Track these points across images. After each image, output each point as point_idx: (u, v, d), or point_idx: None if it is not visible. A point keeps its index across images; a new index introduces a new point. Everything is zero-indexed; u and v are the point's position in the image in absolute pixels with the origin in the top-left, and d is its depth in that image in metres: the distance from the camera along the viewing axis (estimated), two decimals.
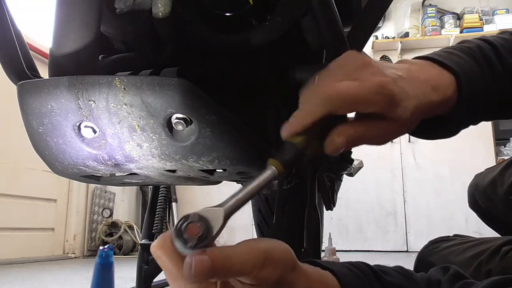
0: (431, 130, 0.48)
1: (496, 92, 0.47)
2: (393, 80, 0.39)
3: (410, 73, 0.41)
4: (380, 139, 0.41)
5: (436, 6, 4.01)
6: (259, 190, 0.35)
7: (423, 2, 4.05)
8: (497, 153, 3.42)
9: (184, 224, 0.30)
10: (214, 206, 0.32)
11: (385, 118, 0.39)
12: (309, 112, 0.38)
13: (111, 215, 3.13)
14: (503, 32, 0.53)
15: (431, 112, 0.42)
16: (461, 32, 3.80)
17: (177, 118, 0.46)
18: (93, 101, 0.46)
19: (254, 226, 1.35)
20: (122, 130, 0.48)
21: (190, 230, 0.30)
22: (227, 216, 0.32)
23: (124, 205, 3.56)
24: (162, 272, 1.14)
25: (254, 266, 0.31)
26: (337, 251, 2.15)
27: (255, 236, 1.52)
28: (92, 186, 3.05)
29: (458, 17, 3.96)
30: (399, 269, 0.45)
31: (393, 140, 3.49)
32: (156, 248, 0.32)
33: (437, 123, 0.46)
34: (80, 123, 0.49)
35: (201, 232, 0.30)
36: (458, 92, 0.44)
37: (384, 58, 3.67)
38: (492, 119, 0.52)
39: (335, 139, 0.38)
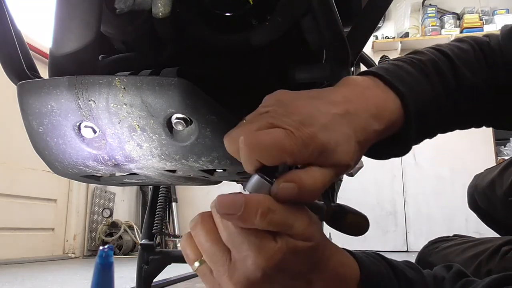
0: (381, 150, 0.45)
1: (451, 106, 0.45)
2: (324, 127, 0.35)
3: (348, 106, 0.37)
4: (327, 183, 0.36)
5: (436, 6, 4.01)
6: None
7: (423, 2, 4.05)
8: (497, 153, 3.42)
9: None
10: None
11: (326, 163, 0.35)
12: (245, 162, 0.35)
13: (111, 215, 3.13)
14: (461, 40, 0.51)
15: (375, 139, 0.39)
16: (461, 32, 3.81)
17: (177, 118, 0.46)
18: (93, 101, 0.46)
19: None
20: (122, 130, 0.48)
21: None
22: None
23: (124, 205, 3.56)
24: (162, 272, 1.13)
25: (307, 220, 0.33)
26: None
27: None
28: (92, 186, 3.05)
29: (458, 17, 3.96)
30: (408, 263, 0.46)
31: None
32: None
33: (387, 142, 0.43)
34: (80, 123, 0.49)
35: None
36: (405, 114, 0.41)
37: (384, 58, 3.67)
38: (450, 130, 0.50)
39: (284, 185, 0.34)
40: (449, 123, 0.49)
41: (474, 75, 0.47)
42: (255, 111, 0.38)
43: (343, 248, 0.42)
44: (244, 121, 0.37)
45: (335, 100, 0.38)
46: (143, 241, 1.10)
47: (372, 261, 0.42)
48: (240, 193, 0.34)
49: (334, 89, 0.41)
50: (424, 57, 0.46)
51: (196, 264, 0.35)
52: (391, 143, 0.43)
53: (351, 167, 0.37)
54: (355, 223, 0.41)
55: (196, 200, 3.71)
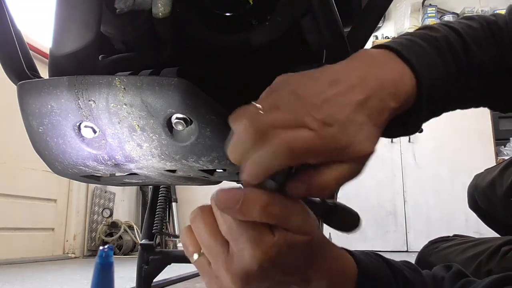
0: (392, 129, 0.43)
1: (462, 83, 0.45)
2: (342, 124, 0.34)
3: (365, 88, 0.36)
4: (345, 177, 0.36)
5: (436, 6, 4.01)
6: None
7: (423, 2, 4.05)
8: (497, 153, 3.41)
9: None
10: None
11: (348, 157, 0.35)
12: (261, 166, 0.33)
13: (111, 215, 3.13)
14: (470, 17, 0.51)
15: (391, 117, 0.38)
16: None
17: (177, 118, 0.46)
18: (93, 101, 0.46)
19: None
20: (122, 130, 0.48)
21: None
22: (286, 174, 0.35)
23: (124, 205, 3.56)
24: (162, 272, 1.12)
25: (304, 214, 0.34)
26: None
27: None
28: (92, 186, 3.05)
29: (458, 17, 3.97)
30: (406, 263, 0.46)
31: (393, 140, 3.49)
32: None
33: (397, 120, 0.42)
34: (80, 123, 0.49)
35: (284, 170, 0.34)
36: (418, 91, 0.40)
37: None
38: (459, 108, 0.50)
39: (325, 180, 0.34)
40: (459, 101, 0.48)
41: (483, 53, 0.47)
42: (264, 99, 0.35)
43: (341, 247, 0.42)
44: (254, 103, 0.34)
45: (351, 84, 0.36)
46: (143, 241, 1.10)
47: (370, 260, 0.43)
48: (240, 187, 0.34)
49: (348, 67, 0.39)
50: (437, 33, 0.46)
51: (195, 256, 0.35)
52: (401, 120, 0.42)
53: (371, 155, 0.36)
54: (347, 219, 0.42)
55: (196, 200, 3.71)
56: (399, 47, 0.41)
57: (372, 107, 0.36)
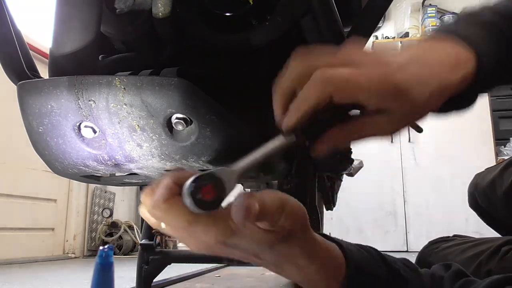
0: (448, 104, 0.43)
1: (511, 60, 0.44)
2: (399, 68, 0.35)
3: (422, 57, 0.38)
4: (396, 128, 0.37)
5: (436, 6, 4.01)
6: (268, 155, 0.36)
7: (423, 2, 4.05)
8: (497, 153, 3.41)
9: (199, 184, 0.31)
10: (226, 167, 0.33)
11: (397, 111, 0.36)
12: (307, 98, 0.35)
13: (111, 215, 3.13)
14: None
15: (451, 92, 0.38)
16: None
17: (177, 118, 0.46)
18: (93, 101, 0.46)
19: None
20: (122, 130, 0.48)
21: (206, 192, 0.31)
22: (239, 177, 0.33)
23: (124, 205, 3.56)
24: (162, 272, 1.11)
25: (276, 211, 0.33)
26: None
27: None
28: (92, 186, 3.05)
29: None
30: (405, 261, 0.45)
31: (393, 140, 3.49)
32: (161, 202, 0.32)
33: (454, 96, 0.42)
34: (80, 123, 0.49)
35: (215, 195, 0.31)
36: (477, 68, 0.40)
37: None
38: (504, 84, 0.49)
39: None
40: (507, 77, 0.48)
41: None
42: (316, 53, 0.37)
43: (336, 243, 0.41)
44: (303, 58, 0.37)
45: (408, 50, 0.38)
46: (143, 241, 1.10)
47: (363, 255, 0.42)
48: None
49: (405, 47, 0.40)
50: (483, 17, 0.45)
51: (162, 225, 0.35)
52: (458, 96, 0.42)
53: (422, 112, 0.37)
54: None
55: None
56: (453, 28, 0.42)
57: (431, 69, 0.37)
